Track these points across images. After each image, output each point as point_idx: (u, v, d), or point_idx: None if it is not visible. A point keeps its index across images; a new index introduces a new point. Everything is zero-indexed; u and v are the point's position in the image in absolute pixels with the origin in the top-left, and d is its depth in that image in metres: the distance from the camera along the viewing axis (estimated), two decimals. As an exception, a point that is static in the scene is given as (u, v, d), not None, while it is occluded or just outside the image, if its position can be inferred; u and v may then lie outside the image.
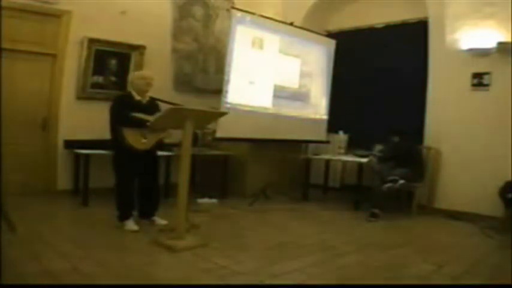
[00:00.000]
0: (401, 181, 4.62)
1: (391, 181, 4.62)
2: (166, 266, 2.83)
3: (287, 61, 5.62)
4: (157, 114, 3.44)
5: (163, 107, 3.61)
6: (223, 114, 4.07)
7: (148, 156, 3.74)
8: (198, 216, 4.16)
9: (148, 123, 3.44)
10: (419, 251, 3.48)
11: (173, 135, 3.95)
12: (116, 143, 3.62)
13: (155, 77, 3.85)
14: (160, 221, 3.82)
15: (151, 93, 3.81)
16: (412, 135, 5.11)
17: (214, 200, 4.94)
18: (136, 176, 3.73)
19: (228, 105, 5.07)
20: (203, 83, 6.10)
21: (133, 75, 3.92)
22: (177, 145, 4.40)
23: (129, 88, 3.86)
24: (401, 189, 4.78)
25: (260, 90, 5.41)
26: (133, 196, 3.72)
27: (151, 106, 3.71)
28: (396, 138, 4.96)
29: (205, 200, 4.86)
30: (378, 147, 5.15)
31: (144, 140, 3.59)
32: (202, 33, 6.09)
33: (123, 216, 3.66)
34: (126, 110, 3.52)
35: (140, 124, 3.49)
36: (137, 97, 3.70)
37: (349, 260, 3.16)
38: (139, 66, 5.29)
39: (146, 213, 3.84)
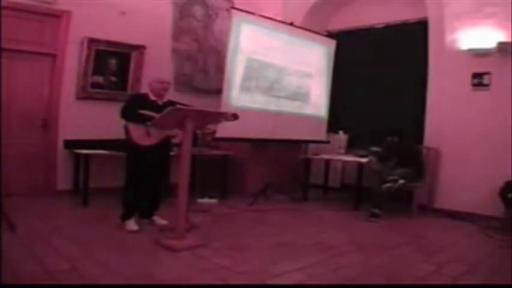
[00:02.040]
0: (401, 181, 4.62)
1: (391, 181, 4.63)
2: (166, 266, 2.83)
3: (287, 61, 5.62)
4: (162, 113, 3.43)
5: None
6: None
7: (158, 157, 3.73)
8: (198, 216, 4.16)
9: (149, 123, 3.42)
10: (419, 251, 3.48)
11: (180, 135, 3.93)
12: (127, 142, 3.60)
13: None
14: (160, 221, 3.83)
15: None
16: (412, 135, 5.10)
17: (214, 200, 4.95)
18: (144, 176, 3.71)
19: (228, 105, 5.06)
20: (203, 83, 6.10)
21: (152, 78, 3.89)
22: (177, 145, 4.39)
23: (147, 89, 3.85)
24: (401, 189, 4.78)
25: (260, 90, 5.40)
26: (139, 196, 3.73)
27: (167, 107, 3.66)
28: (396, 138, 4.96)
29: (205, 200, 4.87)
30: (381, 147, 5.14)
31: (148, 137, 3.58)
32: (202, 33, 6.09)
33: (127, 216, 3.65)
34: (135, 107, 3.52)
35: (145, 121, 3.47)
36: (153, 98, 3.72)
37: (349, 260, 3.16)
38: (140, 66, 5.29)
39: (147, 213, 3.85)
